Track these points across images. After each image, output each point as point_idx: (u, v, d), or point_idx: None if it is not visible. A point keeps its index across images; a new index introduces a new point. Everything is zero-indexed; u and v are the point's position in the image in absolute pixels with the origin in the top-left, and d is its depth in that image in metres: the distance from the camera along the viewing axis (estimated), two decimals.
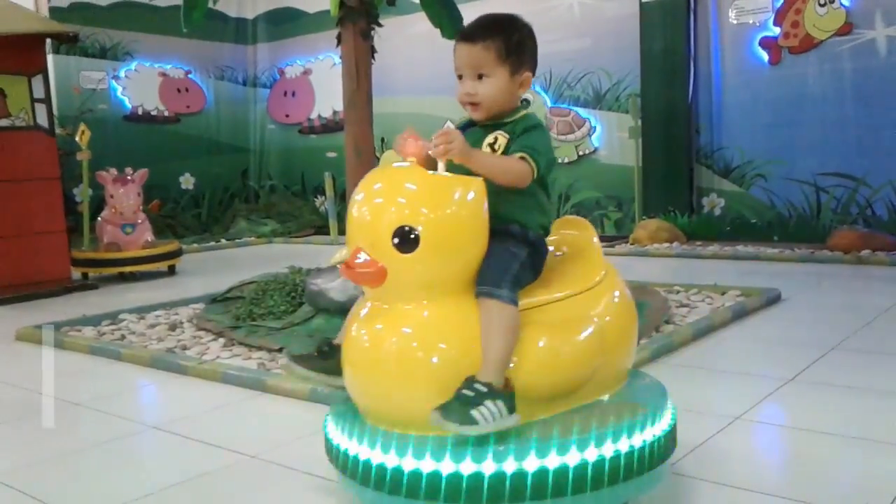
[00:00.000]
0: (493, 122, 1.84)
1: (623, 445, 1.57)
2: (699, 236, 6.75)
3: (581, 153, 7.71)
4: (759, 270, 5.31)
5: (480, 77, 1.82)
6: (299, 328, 3.46)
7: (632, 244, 6.68)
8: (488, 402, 1.53)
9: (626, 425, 1.59)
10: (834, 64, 6.40)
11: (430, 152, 1.68)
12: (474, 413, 1.51)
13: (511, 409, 1.57)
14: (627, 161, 7.32)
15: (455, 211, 1.63)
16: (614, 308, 1.82)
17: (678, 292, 4.26)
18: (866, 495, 1.83)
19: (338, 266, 1.70)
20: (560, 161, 7.62)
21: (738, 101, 6.92)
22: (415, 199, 1.62)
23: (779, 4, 6.62)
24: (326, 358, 1.82)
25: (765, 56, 6.73)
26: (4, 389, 3.16)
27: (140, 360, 3.35)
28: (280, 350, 3.27)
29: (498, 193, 1.72)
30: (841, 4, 6.31)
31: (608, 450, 1.55)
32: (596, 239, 1.99)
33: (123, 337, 3.82)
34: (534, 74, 1.91)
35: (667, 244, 6.54)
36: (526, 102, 1.93)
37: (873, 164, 6.24)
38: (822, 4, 6.39)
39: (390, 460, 1.57)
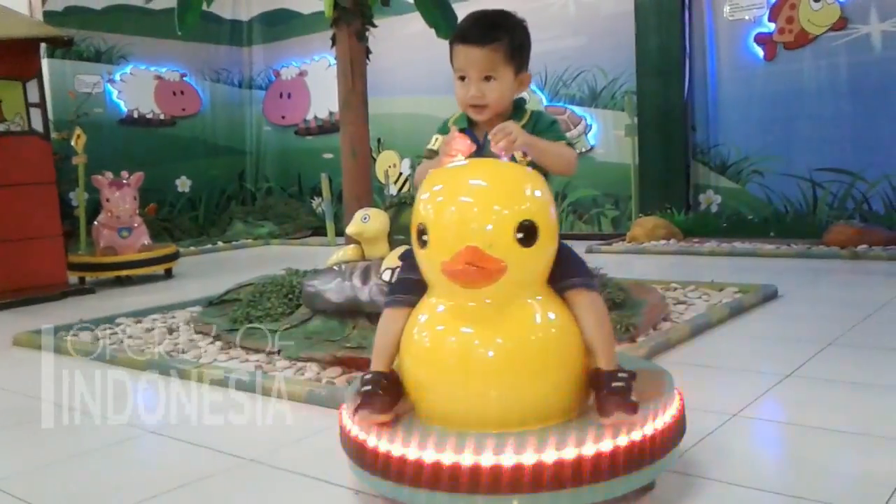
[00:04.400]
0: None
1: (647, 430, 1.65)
2: (696, 233, 6.74)
3: (577, 151, 7.69)
4: (755, 267, 5.30)
5: (487, 79, 1.81)
6: (297, 330, 3.46)
7: (629, 242, 6.67)
8: (633, 385, 1.64)
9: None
10: (829, 59, 6.40)
11: (492, 149, 1.70)
12: (633, 398, 1.60)
13: None
14: (624, 159, 7.32)
15: (549, 200, 1.70)
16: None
17: (675, 289, 4.26)
18: (865, 491, 1.82)
19: (442, 269, 1.60)
20: None
21: (734, 98, 6.92)
22: (524, 192, 1.65)
23: (773, 0, 6.62)
24: (391, 391, 1.71)
25: (760, 52, 6.73)
26: (1, 395, 3.15)
27: (137, 364, 3.34)
28: (278, 352, 3.27)
29: None
30: None
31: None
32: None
33: (121, 341, 3.81)
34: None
35: (664, 241, 6.54)
36: (522, 100, 1.93)
37: (869, 159, 6.25)
38: (816, 0, 6.39)
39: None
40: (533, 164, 1.77)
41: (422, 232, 1.65)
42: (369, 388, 1.69)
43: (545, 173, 1.86)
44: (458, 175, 1.69)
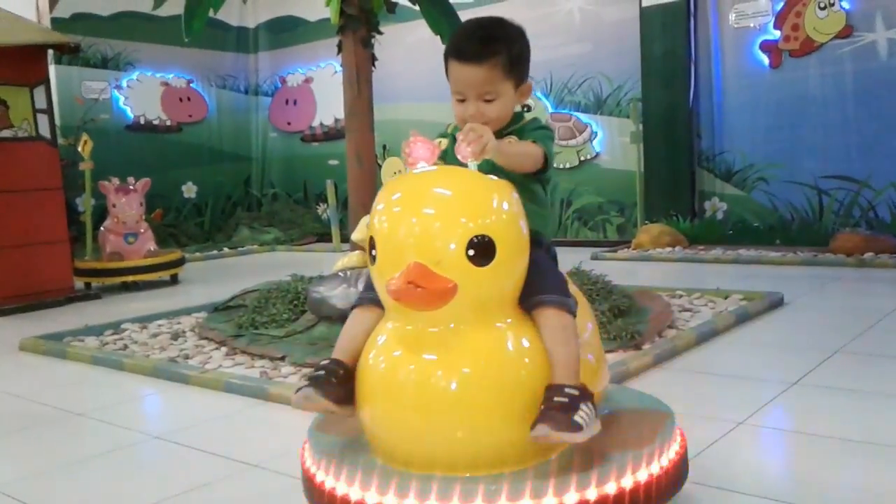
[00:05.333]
0: (498, 132, 1.73)
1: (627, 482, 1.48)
2: (701, 240, 6.73)
3: (582, 158, 7.71)
4: (761, 274, 5.29)
5: (487, 100, 1.72)
6: (302, 336, 3.47)
7: (634, 249, 6.66)
8: (583, 406, 1.43)
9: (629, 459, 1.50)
10: (834, 67, 6.40)
11: (459, 156, 1.54)
12: (577, 419, 1.40)
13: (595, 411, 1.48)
14: (629, 166, 7.32)
15: (516, 213, 1.50)
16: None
17: (681, 297, 4.26)
18: (871, 500, 1.82)
19: (386, 288, 1.42)
20: (561, 166, 7.62)
21: (739, 105, 6.92)
22: (481, 204, 1.46)
23: (779, 7, 6.62)
24: (345, 383, 1.55)
25: (765, 59, 6.73)
26: (7, 400, 3.16)
27: (142, 370, 3.35)
28: (282, 358, 3.27)
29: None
30: (841, 7, 6.31)
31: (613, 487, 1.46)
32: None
33: (126, 346, 3.82)
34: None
35: (669, 248, 6.53)
36: (527, 108, 1.87)
37: (875, 167, 6.24)
38: (822, 7, 6.39)
39: None
40: (503, 171, 1.65)
41: (371, 246, 1.49)
42: (322, 373, 1.54)
43: (544, 181, 1.80)
44: (412, 185, 1.51)
